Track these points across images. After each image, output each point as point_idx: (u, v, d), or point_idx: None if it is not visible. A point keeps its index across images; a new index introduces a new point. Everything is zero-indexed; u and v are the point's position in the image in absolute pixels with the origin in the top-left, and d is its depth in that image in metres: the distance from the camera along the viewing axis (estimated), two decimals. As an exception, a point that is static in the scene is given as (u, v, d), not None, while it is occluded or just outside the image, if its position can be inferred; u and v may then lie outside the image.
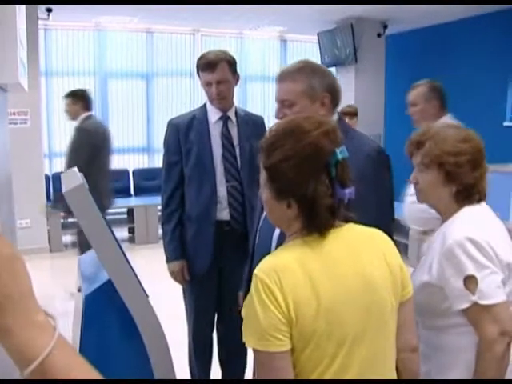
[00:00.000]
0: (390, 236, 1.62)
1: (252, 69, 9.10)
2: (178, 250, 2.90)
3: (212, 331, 3.07)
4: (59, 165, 7.98)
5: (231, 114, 2.91)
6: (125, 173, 8.13)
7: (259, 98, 9.20)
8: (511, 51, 6.66)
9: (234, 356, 3.10)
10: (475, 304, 1.63)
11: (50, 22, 7.26)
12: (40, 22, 6.75)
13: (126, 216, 7.83)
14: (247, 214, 2.87)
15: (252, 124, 2.97)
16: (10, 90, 2.66)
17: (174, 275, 2.90)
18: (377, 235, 1.50)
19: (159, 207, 3.09)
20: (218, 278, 2.94)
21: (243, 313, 1.40)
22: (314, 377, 1.36)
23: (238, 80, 2.92)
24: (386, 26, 7.69)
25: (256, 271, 1.35)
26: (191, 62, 8.42)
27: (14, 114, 6.32)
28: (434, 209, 1.87)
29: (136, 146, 8.43)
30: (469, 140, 1.76)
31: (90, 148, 4.72)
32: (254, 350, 1.34)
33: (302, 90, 1.97)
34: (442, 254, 1.70)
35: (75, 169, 2.07)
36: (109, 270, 1.79)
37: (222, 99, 2.84)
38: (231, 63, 2.84)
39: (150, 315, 1.87)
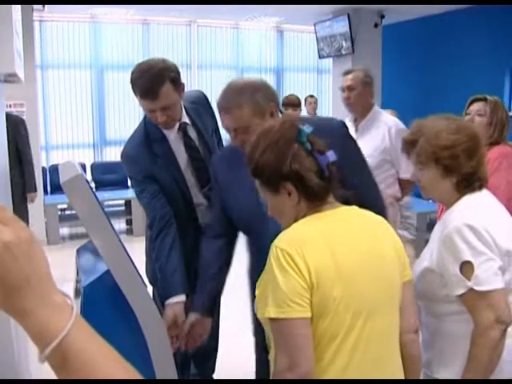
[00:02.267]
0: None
1: (249, 60, 9.09)
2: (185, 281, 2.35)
3: None
4: (56, 157, 7.97)
5: (184, 117, 2.58)
6: (121, 165, 8.07)
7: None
8: (508, 41, 6.65)
9: (208, 353, 3.04)
10: (471, 290, 1.64)
11: (46, 14, 7.25)
12: (35, 13, 6.72)
13: (123, 208, 7.83)
14: None
15: (201, 107, 2.71)
16: (8, 80, 2.65)
17: (167, 320, 2.19)
18: (381, 218, 1.58)
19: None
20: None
21: (257, 292, 1.44)
22: (333, 348, 1.39)
23: (183, 89, 2.46)
24: (382, 16, 7.66)
25: (276, 243, 1.40)
26: (187, 53, 8.39)
27: (10, 106, 6.29)
28: (439, 202, 1.89)
29: (133, 138, 8.41)
30: (460, 130, 1.76)
31: None
32: (274, 321, 1.36)
33: (251, 111, 1.95)
34: (441, 241, 1.72)
35: (72, 160, 2.06)
36: (107, 261, 1.78)
37: (170, 123, 2.47)
38: (175, 79, 2.37)
39: (148, 305, 1.86)
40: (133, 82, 2.38)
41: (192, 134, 2.61)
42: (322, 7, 7.24)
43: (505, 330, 1.64)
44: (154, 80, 2.30)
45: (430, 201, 6.31)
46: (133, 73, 2.39)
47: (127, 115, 8.33)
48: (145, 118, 2.58)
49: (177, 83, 2.38)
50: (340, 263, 1.37)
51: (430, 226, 5.55)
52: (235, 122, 1.97)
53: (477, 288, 1.63)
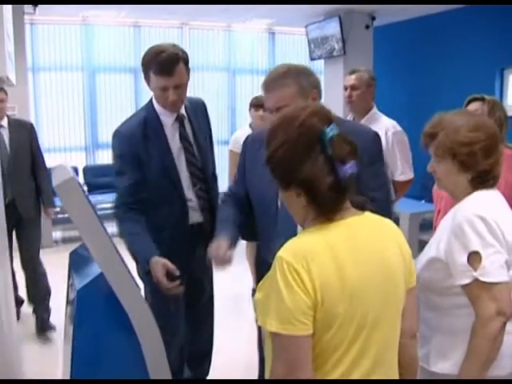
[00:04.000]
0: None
1: (241, 62, 9.09)
2: (154, 246, 2.45)
3: (182, 337, 2.83)
4: (48, 160, 7.92)
5: (183, 110, 2.66)
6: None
7: (248, 90, 9.19)
8: (499, 42, 6.70)
9: (203, 356, 3.04)
10: (476, 280, 1.65)
11: (37, 17, 7.21)
12: (26, 16, 6.70)
13: (116, 211, 7.79)
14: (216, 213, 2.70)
15: (199, 111, 2.78)
16: (-1, 84, 2.64)
17: (160, 274, 2.32)
18: (391, 224, 1.55)
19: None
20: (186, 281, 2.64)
21: (259, 296, 1.41)
22: (333, 360, 1.38)
23: (189, 74, 2.58)
24: (374, 18, 7.69)
25: (281, 253, 1.35)
26: (179, 55, 8.36)
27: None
28: (452, 195, 1.90)
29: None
30: (480, 128, 1.78)
31: None
32: (275, 334, 1.34)
33: (295, 91, 2.03)
34: (451, 230, 1.74)
35: (64, 163, 2.06)
36: (101, 264, 1.78)
37: (179, 104, 2.57)
38: (186, 61, 2.53)
39: (142, 307, 1.87)
40: (148, 61, 2.48)
41: (187, 127, 2.66)
42: (314, 9, 7.25)
43: (505, 323, 1.66)
44: (170, 58, 2.42)
45: (423, 201, 6.35)
46: (146, 55, 2.51)
47: (119, 118, 8.25)
48: (147, 105, 2.66)
49: (187, 65, 2.52)
50: (346, 278, 1.35)
51: (423, 226, 5.58)
52: (278, 101, 2.02)
53: (482, 279, 1.65)
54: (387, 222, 1.54)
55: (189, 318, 2.92)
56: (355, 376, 1.40)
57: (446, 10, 7.21)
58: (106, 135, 8.32)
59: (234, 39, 8.96)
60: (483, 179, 1.79)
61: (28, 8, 6.50)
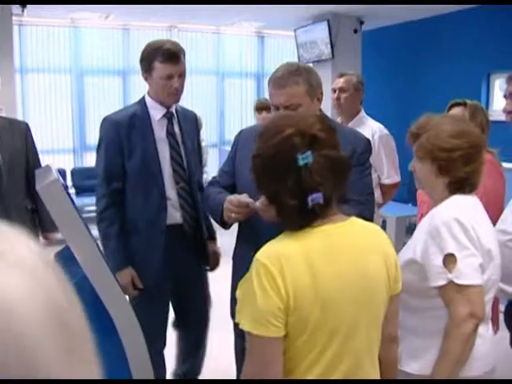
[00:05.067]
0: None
1: (230, 65, 9.09)
2: (126, 256, 2.60)
3: (164, 347, 2.82)
4: (35, 162, 7.90)
5: (173, 110, 2.73)
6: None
7: (237, 94, 9.20)
8: (486, 47, 6.75)
9: (192, 358, 3.02)
10: (451, 282, 1.68)
11: (25, 18, 7.18)
12: (14, 17, 6.67)
13: (104, 213, 7.77)
14: (200, 215, 2.75)
15: (189, 120, 2.83)
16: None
17: (126, 286, 2.52)
18: (377, 232, 1.55)
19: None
20: (171, 286, 2.76)
21: (238, 295, 1.44)
22: (305, 365, 1.40)
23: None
24: (362, 22, 7.73)
25: (259, 256, 1.38)
26: (168, 58, 8.35)
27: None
28: (429, 196, 1.94)
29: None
30: (464, 135, 1.80)
31: None
32: (248, 333, 1.37)
33: (305, 90, 2.06)
34: (427, 233, 1.76)
35: (50, 165, 2.05)
36: (84, 266, 1.78)
37: (180, 94, 2.68)
38: (184, 54, 2.67)
39: (125, 310, 1.86)
40: (152, 52, 2.57)
41: (176, 127, 2.71)
42: (302, 13, 7.28)
43: (477, 325, 1.68)
44: (175, 48, 2.58)
45: (410, 204, 6.38)
46: (147, 48, 2.61)
47: (108, 120, 8.28)
48: (139, 100, 2.74)
49: (185, 60, 2.65)
50: (320, 285, 1.36)
51: (409, 229, 5.60)
52: (289, 99, 2.04)
53: (457, 281, 1.67)
54: (373, 228, 1.55)
55: (179, 321, 2.95)
56: (334, 377, 1.42)
57: (434, 16, 7.27)
58: (94, 137, 8.20)
59: (222, 42, 8.98)
60: (460, 185, 1.82)
61: (16, 9, 6.46)
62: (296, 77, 2.06)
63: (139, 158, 2.59)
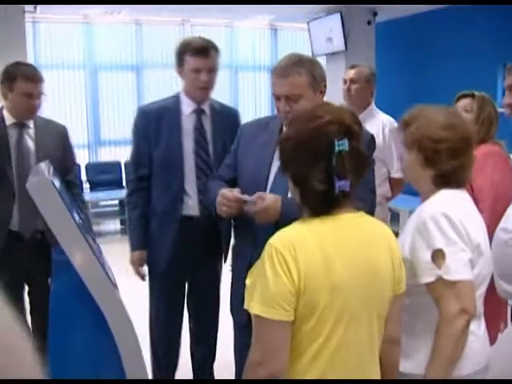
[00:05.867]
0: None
1: (243, 59, 9.07)
2: (142, 239, 2.81)
3: (180, 331, 3.00)
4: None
5: (205, 106, 2.79)
6: (116, 165, 8.13)
7: (250, 87, 9.18)
8: (501, 38, 6.63)
9: (206, 351, 3.08)
10: (440, 278, 1.65)
11: (38, 15, 7.23)
12: (27, 15, 6.71)
13: (117, 208, 7.83)
14: None
15: (226, 118, 2.86)
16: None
17: (134, 266, 2.82)
18: (385, 229, 1.57)
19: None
20: (186, 275, 2.88)
21: (248, 281, 1.45)
22: (312, 351, 1.40)
23: (218, 67, 2.79)
24: (375, 14, 7.64)
25: (272, 241, 1.40)
26: (181, 52, 8.36)
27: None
28: (416, 187, 1.91)
29: (127, 138, 8.33)
30: (453, 128, 1.76)
31: None
32: (256, 317, 1.38)
33: (307, 81, 2.06)
34: (415, 228, 1.73)
35: (43, 164, 2.07)
36: (75, 263, 1.79)
37: (208, 89, 2.73)
38: (218, 53, 2.75)
39: (117, 307, 1.87)
40: (183, 47, 2.68)
41: (206, 124, 2.78)
42: (315, 5, 7.21)
43: (468, 322, 1.65)
44: (205, 42, 2.69)
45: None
46: (180, 44, 2.72)
47: (122, 115, 8.33)
48: (175, 94, 2.83)
49: (218, 57, 2.74)
50: (330, 270, 1.37)
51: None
52: (290, 89, 2.05)
53: (446, 277, 1.64)
54: (381, 226, 1.57)
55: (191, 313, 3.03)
56: (335, 371, 1.43)
57: (449, 6, 7.15)
58: (108, 133, 8.36)
59: (235, 36, 8.95)
60: (446, 179, 1.78)
61: (28, 6, 6.51)
62: (298, 67, 2.06)
63: (163, 148, 2.70)
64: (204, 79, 2.65)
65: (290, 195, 2.06)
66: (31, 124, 3.00)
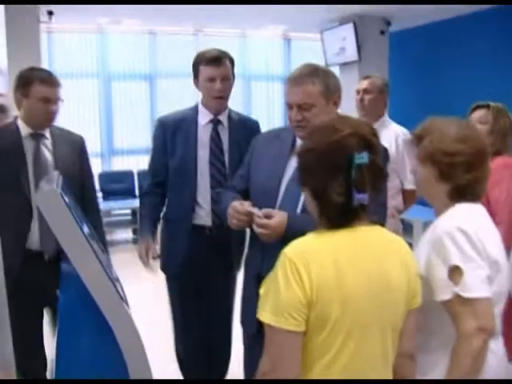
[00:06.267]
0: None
1: (256, 68, 9.08)
2: (150, 228, 2.83)
3: (192, 339, 2.99)
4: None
5: (223, 117, 2.81)
6: (129, 174, 8.15)
7: (264, 97, 9.18)
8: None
9: (219, 361, 3.08)
10: (457, 296, 1.60)
11: (53, 25, 7.29)
12: (43, 25, 6.78)
13: (130, 217, 7.86)
14: None
15: (245, 129, 2.85)
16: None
17: (141, 257, 2.81)
18: (402, 243, 1.55)
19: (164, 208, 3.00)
20: (198, 281, 2.88)
21: (262, 291, 1.45)
22: (323, 363, 1.40)
23: (233, 82, 2.83)
24: (389, 23, 7.61)
25: (286, 251, 1.41)
26: (195, 62, 8.40)
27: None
28: (430, 202, 1.87)
29: (140, 148, 8.35)
30: (467, 140, 1.72)
31: None
32: (267, 326, 1.38)
33: (321, 91, 2.06)
34: (430, 244, 1.69)
35: (54, 173, 2.06)
36: (81, 273, 1.77)
37: (222, 98, 2.75)
38: (233, 63, 2.79)
39: (124, 320, 1.84)
40: (198, 57, 2.74)
41: (223, 134, 2.79)
42: (328, 14, 7.21)
43: (487, 340, 1.60)
44: (218, 52, 2.73)
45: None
46: (196, 56, 2.78)
47: (135, 124, 8.37)
48: (194, 105, 2.88)
49: (233, 67, 2.78)
50: (343, 283, 1.37)
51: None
52: (303, 97, 2.06)
53: (463, 294, 1.60)
54: (398, 241, 1.55)
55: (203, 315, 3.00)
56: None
57: (463, 15, 7.10)
58: (121, 142, 8.40)
59: (248, 46, 8.97)
60: (461, 193, 1.74)
61: (43, 17, 6.57)
62: (313, 77, 2.07)
63: (179, 157, 2.75)
64: (218, 88, 2.68)
65: (300, 206, 2.04)
66: (48, 134, 2.82)
